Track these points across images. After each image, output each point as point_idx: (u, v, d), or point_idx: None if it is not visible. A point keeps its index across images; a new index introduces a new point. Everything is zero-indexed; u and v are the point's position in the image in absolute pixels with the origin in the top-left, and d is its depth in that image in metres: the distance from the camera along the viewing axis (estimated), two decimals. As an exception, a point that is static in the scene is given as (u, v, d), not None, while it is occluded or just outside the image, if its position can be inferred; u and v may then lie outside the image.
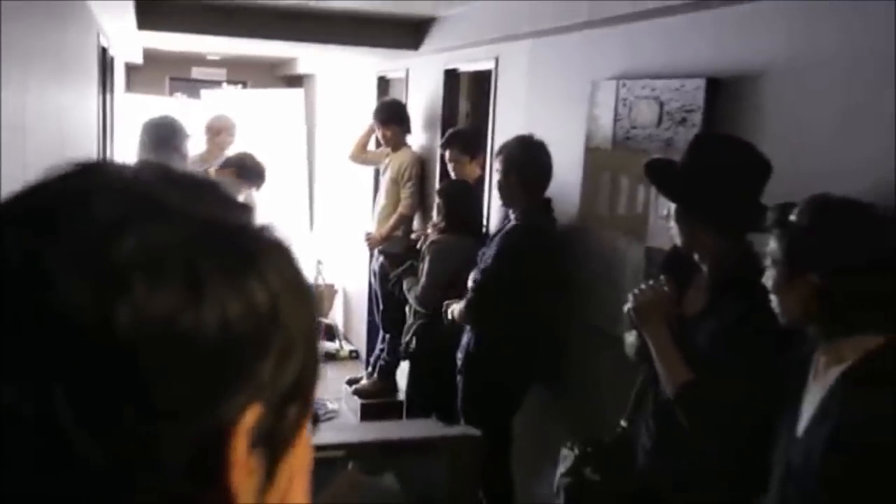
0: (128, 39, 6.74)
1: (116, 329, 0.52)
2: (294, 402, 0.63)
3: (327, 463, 1.57)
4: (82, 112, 4.90)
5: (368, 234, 6.41)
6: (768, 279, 2.14)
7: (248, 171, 5.58)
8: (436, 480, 1.63)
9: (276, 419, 0.61)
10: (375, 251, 6.33)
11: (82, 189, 0.59)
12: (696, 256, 2.66)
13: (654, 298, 2.66)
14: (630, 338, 2.86)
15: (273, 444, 0.62)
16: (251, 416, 0.58)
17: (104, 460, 0.53)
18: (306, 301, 0.65)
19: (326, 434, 1.70)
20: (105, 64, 5.96)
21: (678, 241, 2.69)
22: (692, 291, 2.72)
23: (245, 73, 11.36)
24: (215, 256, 0.58)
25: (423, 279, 4.82)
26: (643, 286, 2.72)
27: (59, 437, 0.52)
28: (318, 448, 1.48)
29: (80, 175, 0.61)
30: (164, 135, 5.61)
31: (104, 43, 5.75)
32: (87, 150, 4.97)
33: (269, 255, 0.63)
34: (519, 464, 4.32)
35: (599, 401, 3.76)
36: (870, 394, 1.94)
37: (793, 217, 2.04)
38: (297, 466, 0.67)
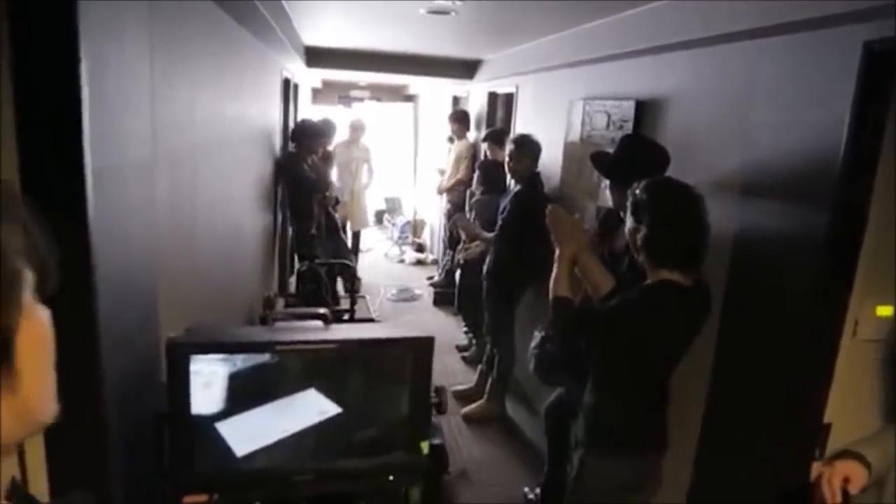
0: (305, 73, 6.64)
1: None
2: None
3: (324, 352, 1.41)
4: (271, 116, 4.84)
5: (438, 186, 6.40)
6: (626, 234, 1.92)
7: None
8: (400, 370, 1.44)
9: None
10: (444, 201, 6.23)
11: None
12: (621, 213, 2.47)
13: (575, 228, 2.17)
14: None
15: None
16: None
17: None
18: None
19: (329, 332, 1.50)
20: (288, 88, 5.86)
21: (612, 203, 2.54)
22: (619, 236, 2.54)
23: (380, 92, 11.16)
24: None
25: (470, 217, 4.71)
26: (562, 223, 2.17)
27: None
28: (318, 342, 1.35)
29: None
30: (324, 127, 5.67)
31: (287, 75, 5.65)
32: (273, 137, 4.90)
33: None
34: (517, 335, 4.18)
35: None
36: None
37: (638, 192, 1.84)
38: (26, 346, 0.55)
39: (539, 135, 3.99)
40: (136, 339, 1.46)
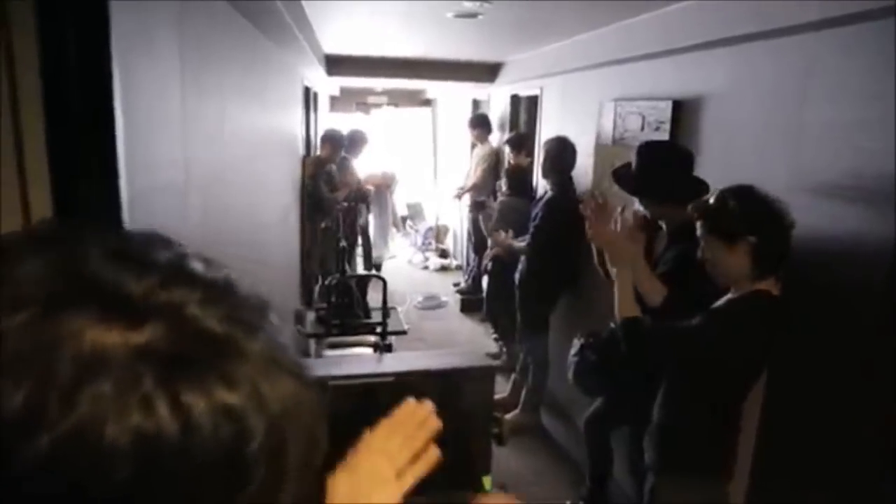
0: (324, 81, 6.62)
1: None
2: None
3: (382, 387, 1.33)
4: (292, 121, 4.82)
5: (458, 189, 6.38)
6: (706, 249, 1.80)
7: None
8: (463, 398, 1.36)
9: None
10: (467, 204, 6.22)
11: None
12: (660, 222, 2.40)
13: (626, 232, 2.04)
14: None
15: None
16: None
17: None
18: (300, 419, 0.32)
19: (383, 363, 1.42)
20: (308, 96, 5.85)
21: (647, 213, 2.43)
22: (659, 243, 2.47)
23: (398, 98, 11.13)
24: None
25: (492, 222, 4.63)
26: (613, 237, 2.03)
27: None
28: (373, 375, 1.28)
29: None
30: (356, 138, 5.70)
31: (307, 84, 5.65)
32: (295, 146, 4.86)
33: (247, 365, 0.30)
34: (552, 344, 4.09)
35: (599, 307, 3.47)
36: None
37: (713, 201, 1.74)
38: None
39: (567, 136, 3.91)
40: None
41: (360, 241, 6.18)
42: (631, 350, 1.85)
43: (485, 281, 5.31)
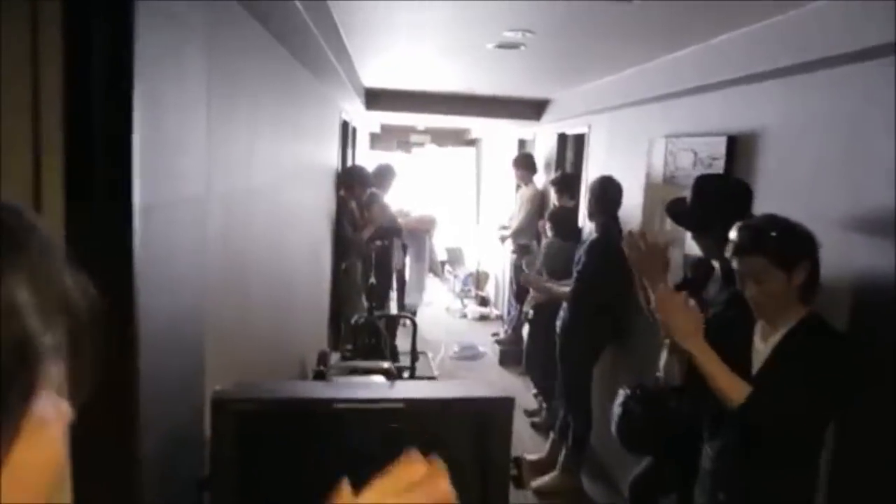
0: (363, 116, 6.83)
1: None
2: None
3: (389, 412, 1.34)
4: (328, 159, 4.97)
5: (501, 232, 6.42)
6: (757, 284, 1.80)
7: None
8: (474, 435, 1.36)
9: None
10: (511, 249, 6.25)
11: None
12: (713, 262, 2.38)
13: (691, 318, 1.90)
14: (664, 357, 2.17)
15: None
16: None
17: None
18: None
19: (394, 390, 1.44)
20: (346, 131, 6.04)
21: (701, 250, 2.43)
22: (712, 284, 2.43)
23: (441, 137, 11.35)
24: None
25: (537, 265, 4.68)
26: (677, 311, 1.91)
27: None
28: (380, 401, 1.28)
29: None
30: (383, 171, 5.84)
31: (345, 118, 5.83)
32: (331, 182, 5.01)
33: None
34: (595, 399, 4.05)
35: (647, 358, 3.40)
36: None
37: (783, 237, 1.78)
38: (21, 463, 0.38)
39: (615, 177, 3.93)
40: (179, 395, 1.43)
41: (394, 283, 6.21)
42: (758, 431, 1.80)
43: (525, 331, 5.25)
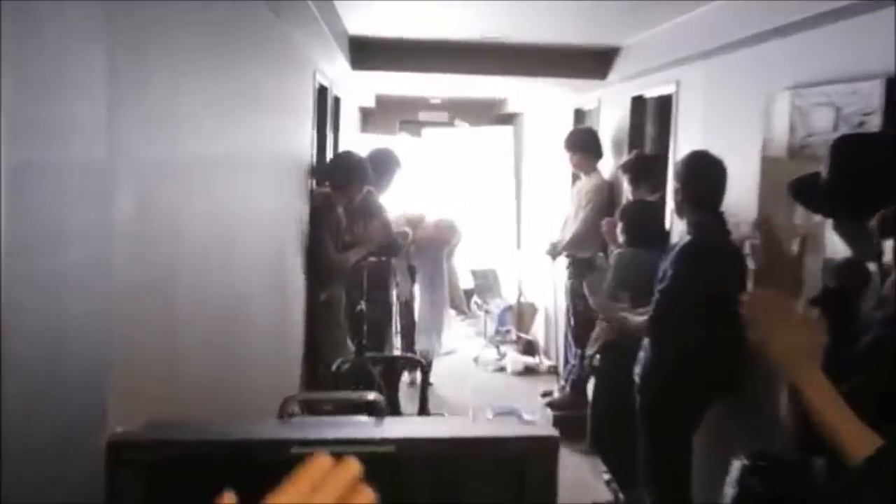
0: (349, 79, 6.89)
1: None
2: None
3: (375, 460, 1.34)
4: (299, 140, 5.00)
5: (551, 247, 6.42)
6: None
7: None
8: (501, 492, 1.40)
9: None
10: (566, 266, 6.29)
11: None
12: (867, 264, 2.30)
13: (800, 333, 1.81)
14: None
15: None
16: None
17: None
18: None
19: (379, 428, 1.52)
20: (324, 101, 6.10)
21: (849, 249, 2.35)
22: (867, 297, 2.31)
23: (464, 112, 11.44)
24: None
25: (605, 285, 4.65)
26: (777, 318, 1.84)
27: None
28: (363, 442, 1.29)
29: None
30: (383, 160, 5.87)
31: (323, 82, 5.87)
32: (302, 171, 5.04)
33: None
34: (696, 478, 3.99)
35: (776, 415, 3.38)
36: None
37: None
38: None
39: (714, 154, 3.92)
40: (64, 444, 1.44)
41: (396, 320, 6.16)
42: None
43: (591, 387, 5.24)
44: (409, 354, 4.04)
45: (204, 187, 2.59)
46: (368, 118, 11.63)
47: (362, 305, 4.29)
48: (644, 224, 4.67)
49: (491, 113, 11.42)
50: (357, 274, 5.17)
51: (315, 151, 5.58)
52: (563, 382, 6.71)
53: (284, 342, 4.39)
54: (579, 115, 7.41)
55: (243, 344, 3.26)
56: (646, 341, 4.00)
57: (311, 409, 3.03)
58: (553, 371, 7.71)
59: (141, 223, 1.86)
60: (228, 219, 2.99)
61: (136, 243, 1.83)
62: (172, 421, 1.62)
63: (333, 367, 3.33)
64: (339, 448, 1.32)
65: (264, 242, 3.76)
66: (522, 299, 8.98)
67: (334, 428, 1.52)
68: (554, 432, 1.41)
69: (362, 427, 1.50)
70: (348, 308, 5.08)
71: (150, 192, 1.98)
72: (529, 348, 8.49)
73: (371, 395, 1.55)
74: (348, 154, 5.64)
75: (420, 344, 6.88)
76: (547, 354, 8.25)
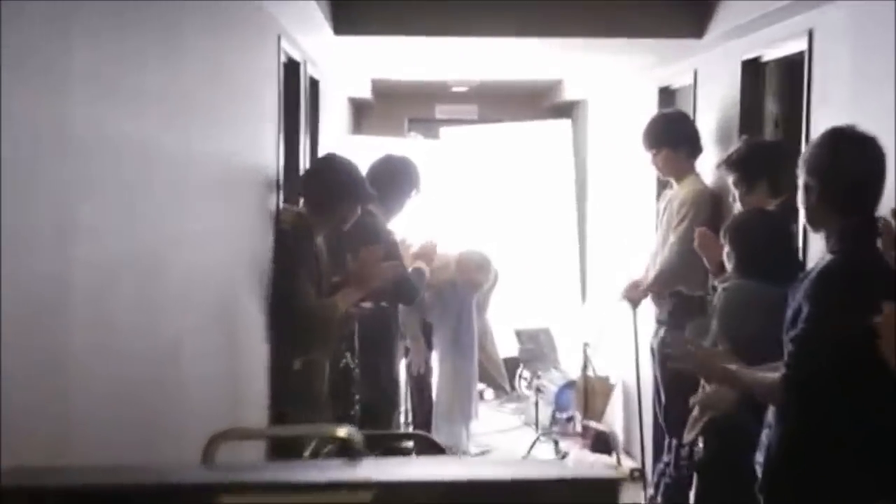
0: (335, 57, 7.04)
1: None
2: None
3: None
4: (258, 139, 5.10)
5: (630, 284, 6.51)
6: None
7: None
8: None
9: None
10: (656, 317, 6.39)
11: None
12: None
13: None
14: None
15: None
16: None
17: None
18: None
19: (354, 470, 1.62)
20: (295, 83, 6.21)
21: None
22: None
23: (500, 102, 11.54)
24: None
25: (707, 339, 4.64)
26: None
27: None
28: (328, 486, 1.26)
29: None
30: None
31: (293, 54, 5.91)
32: (262, 182, 5.13)
33: None
34: None
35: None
36: None
37: None
38: None
39: (867, 134, 3.88)
40: None
41: (401, 396, 6.14)
42: None
43: (693, 493, 5.27)
44: (421, 433, 3.96)
45: (118, 179, 2.68)
46: (363, 113, 11.80)
47: (348, 359, 4.27)
48: (762, 243, 4.69)
49: (540, 103, 11.53)
50: (346, 328, 5.16)
51: (282, 155, 5.66)
52: (651, 492, 6.77)
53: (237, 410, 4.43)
54: (666, 95, 7.52)
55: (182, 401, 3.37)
56: (772, 414, 3.97)
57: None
58: (638, 476, 7.70)
59: (14, 214, 1.92)
60: (163, 230, 3.11)
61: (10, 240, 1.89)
62: (64, 467, 1.70)
63: (306, 454, 3.33)
64: (295, 497, 1.43)
65: (190, 291, 3.75)
66: (590, 372, 9.02)
67: (288, 471, 1.58)
68: (611, 475, 1.49)
69: (333, 469, 1.58)
70: (332, 383, 5.07)
71: (24, 181, 2.04)
72: (602, 443, 8.44)
73: (341, 431, 1.63)
74: (331, 159, 5.72)
75: (439, 436, 6.86)
76: (628, 452, 8.32)
